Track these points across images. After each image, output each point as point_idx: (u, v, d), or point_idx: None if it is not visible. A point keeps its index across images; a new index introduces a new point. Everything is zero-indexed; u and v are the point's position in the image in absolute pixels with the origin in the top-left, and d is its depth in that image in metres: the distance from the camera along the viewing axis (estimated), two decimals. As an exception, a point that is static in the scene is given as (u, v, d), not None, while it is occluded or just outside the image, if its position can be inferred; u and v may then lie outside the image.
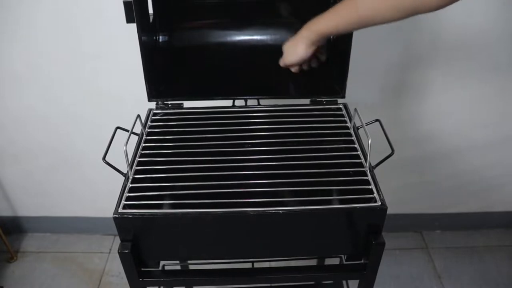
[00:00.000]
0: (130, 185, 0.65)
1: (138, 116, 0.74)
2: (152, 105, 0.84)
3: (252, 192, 0.64)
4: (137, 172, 0.68)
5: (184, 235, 0.65)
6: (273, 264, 0.90)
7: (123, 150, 0.63)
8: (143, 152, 0.73)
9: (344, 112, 0.82)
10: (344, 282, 1.02)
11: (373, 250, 0.63)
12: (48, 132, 1.29)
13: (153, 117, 0.82)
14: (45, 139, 1.31)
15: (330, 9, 0.70)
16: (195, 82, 0.88)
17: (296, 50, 0.75)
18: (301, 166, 0.68)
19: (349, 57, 0.78)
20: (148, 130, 0.78)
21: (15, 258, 1.47)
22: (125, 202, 0.62)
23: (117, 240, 1.51)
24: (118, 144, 0.65)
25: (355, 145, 0.73)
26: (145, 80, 0.79)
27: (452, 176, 1.40)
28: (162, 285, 0.81)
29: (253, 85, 0.87)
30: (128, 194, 0.64)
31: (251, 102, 0.88)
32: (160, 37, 0.86)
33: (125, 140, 0.64)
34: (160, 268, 0.75)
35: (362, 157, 0.70)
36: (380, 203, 0.61)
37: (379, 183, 0.65)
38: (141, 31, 0.74)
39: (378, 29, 1.06)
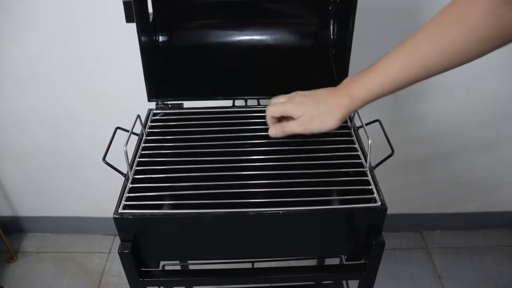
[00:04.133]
0: (130, 186, 0.65)
1: (138, 116, 0.74)
2: (152, 105, 0.84)
3: (252, 193, 0.64)
4: (137, 172, 0.68)
5: (184, 235, 0.65)
6: (273, 264, 0.90)
7: (123, 151, 0.63)
8: (143, 152, 0.73)
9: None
10: (344, 282, 1.02)
11: (373, 250, 0.63)
12: (48, 132, 1.29)
13: (153, 117, 0.82)
14: (45, 139, 1.31)
15: (372, 65, 0.56)
16: (195, 82, 0.88)
17: (327, 119, 0.59)
18: (301, 166, 0.68)
19: (349, 57, 0.78)
20: (148, 130, 0.78)
21: (15, 258, 1.47)
22: (125, 203, 0.62)
23: (117, 240, 1.51)
24: (118, 144, 0.65)
25: (355, 145, 0.73)
26: (145, 80, 0.79)
27: (452, 176, 1.40)
28: (162, 285, 0.81)
29: (253, 85, 0.87)
30: (128, 195, 0.64)
31: (251, 102, 0.88)
32: (160, 37, 0.86)
33: (125, 140, 0.64)
34: (160, 268, 0.75)
35: (362, 157, 0.70)
36: (380, 204, 0.61)
37: (379, 183, 0.65)
38: (140, 31, 0.74)
39: (378, 29, 1.07)
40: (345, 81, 0.59)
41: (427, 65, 0.53)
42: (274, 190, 0.64)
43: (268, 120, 0.69)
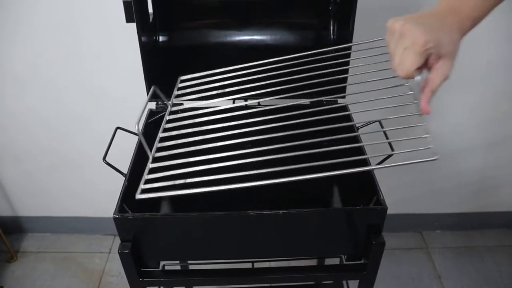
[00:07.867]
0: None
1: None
2: (152, 105, 0.84)
3: (252, 193, 0.64)
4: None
5: (184, 235, 0.65)
6: (273, 264, 0.90)
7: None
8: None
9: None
10: (344, 282, 1.02)
11: (373, 250, 0.63)
12: (48, 132, 1.29)
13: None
14: (45, 139, 1.31)
15: None
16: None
17: (456, 44, 0.49)
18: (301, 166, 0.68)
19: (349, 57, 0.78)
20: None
21: (15, 258, 1.47)
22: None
23: (117, 240, 1.51)
24: (118, 144, 0.65)
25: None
26: (145, 80, 0.79)
27: (452, 176, 1.40)
28: (162, 285, 0.81)
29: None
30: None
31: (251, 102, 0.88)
32: (160, 37, 0.86)
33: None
34: (160, 268, 0.75)
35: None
36: (380, 204, 0.61)
37: (379, 183, 0.65)
38: (140, 31, 0.74)
39: (378, 29, 1.06)
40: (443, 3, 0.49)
41: None
42: (274, 191, 0.64)
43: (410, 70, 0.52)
